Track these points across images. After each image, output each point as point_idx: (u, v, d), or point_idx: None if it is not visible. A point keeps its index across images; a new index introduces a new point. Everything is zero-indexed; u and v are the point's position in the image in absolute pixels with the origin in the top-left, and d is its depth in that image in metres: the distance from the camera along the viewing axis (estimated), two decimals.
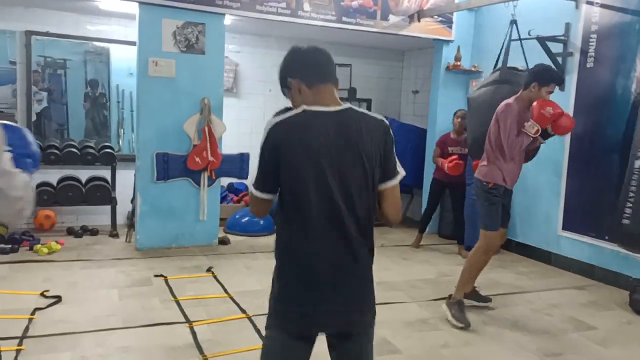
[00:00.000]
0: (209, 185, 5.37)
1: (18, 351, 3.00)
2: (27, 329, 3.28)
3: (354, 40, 6.79)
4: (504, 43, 4.81)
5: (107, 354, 3.07)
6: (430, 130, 6.43)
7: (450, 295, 3.87)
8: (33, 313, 3.51)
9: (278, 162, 1.70)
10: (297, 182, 1.69)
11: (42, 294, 3.84)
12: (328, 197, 1.69)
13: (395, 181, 1.80)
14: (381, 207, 1.81)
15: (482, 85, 4.69)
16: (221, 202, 5.84)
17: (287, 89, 1.82)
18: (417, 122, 7.16)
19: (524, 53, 4.73)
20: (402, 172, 1.83)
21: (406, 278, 4.77)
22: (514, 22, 4.77)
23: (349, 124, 1.72)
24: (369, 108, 7.52)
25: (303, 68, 1.78)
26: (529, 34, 4.87)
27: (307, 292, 1.73)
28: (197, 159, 5.21)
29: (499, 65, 4.71)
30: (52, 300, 3.75)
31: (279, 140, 1.69)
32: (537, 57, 4.71)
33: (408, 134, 6.66)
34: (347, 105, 1.77)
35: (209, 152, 5.22)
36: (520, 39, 4.79)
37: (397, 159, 1.83)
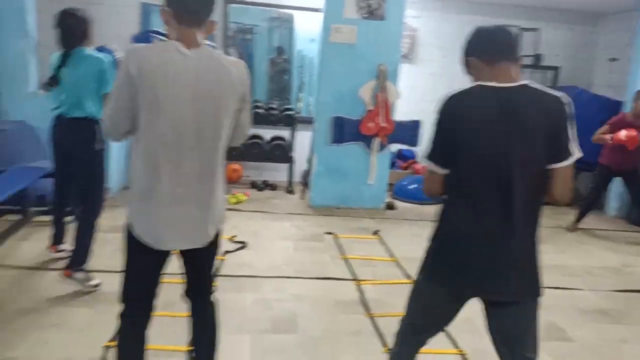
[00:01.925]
0: (379, 151, 5.49)
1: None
2: (218, 268, 3.75)
3: (543, 2, 6.26)
4: None
5: (283, 299, 3.40)
6: (628, 103, 5.75)
7: None
8: (223, 255, 4.00)
9: (452, 133, 1.76)
10: (467, 152, 1.74)
11: (230, 239, 4.33)
12: (496, 169, 1.72)
13: (566, 162, 1.74)
14: (550, 186, 1.77)
15: None
16: (390, 168, 5.93)
17: (467, 66, 1.89)
18: (611, 93, 6.44)
19: None
20: (576, 153, 1.75)
21: (583, 263, 4.43)
22: None
23: (519, 100, 1.73)
24: (555, 76, 6.96)
25: (481, 47, 1.83)
26: None
27: (464, 257, 1.80)
28: (370, 125, 5.34)
29: None
30: (239, 245, 4.22)
31: (453, 110, 1.76)
32: None
33: (599, 106, 6.03)
34: (524, 81, 1.77)
35: (382, 118, 5.31)
36: None
37: (573, 139, 1.74)
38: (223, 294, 3.36)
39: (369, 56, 5.27)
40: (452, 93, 1.78)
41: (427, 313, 1.98)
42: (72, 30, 3.15)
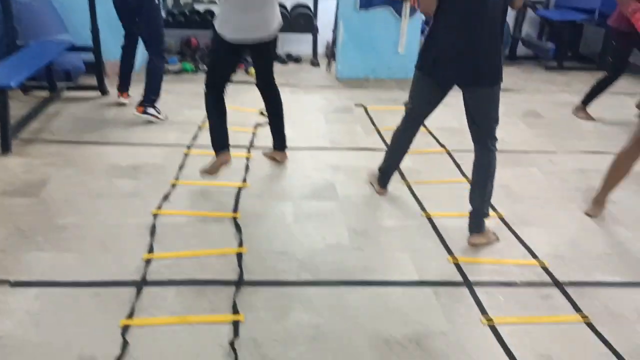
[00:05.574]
0: (410, 16, 5.19)
1: (248, 158, 3.48)
2: (252, 141, 3.75)
3: None
4: None
5: (320, 168, 3.42)
6: None
7: None
8: (254, 127, 3.98)
9: None
10: None
11: (260, 113, 4.27)
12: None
13: None
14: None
15: None
16: (420, 35, 5.65)
17: None
18: None
19: None
20: None
21: None
22: None
23: None
24: None
25: None
26: None
27: (443, 56, 2.46)
28: None
29: None
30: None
31: None
32: None
33: None
34: None
35: None
36: None
37: None
38: (257, 164, 3.39)
39: None
40: None
41: (421, 98, 2.74)
42: None
